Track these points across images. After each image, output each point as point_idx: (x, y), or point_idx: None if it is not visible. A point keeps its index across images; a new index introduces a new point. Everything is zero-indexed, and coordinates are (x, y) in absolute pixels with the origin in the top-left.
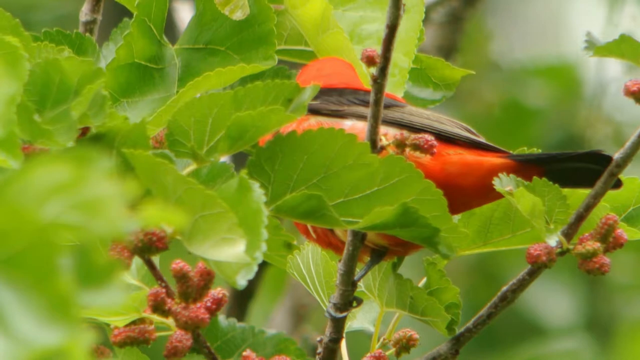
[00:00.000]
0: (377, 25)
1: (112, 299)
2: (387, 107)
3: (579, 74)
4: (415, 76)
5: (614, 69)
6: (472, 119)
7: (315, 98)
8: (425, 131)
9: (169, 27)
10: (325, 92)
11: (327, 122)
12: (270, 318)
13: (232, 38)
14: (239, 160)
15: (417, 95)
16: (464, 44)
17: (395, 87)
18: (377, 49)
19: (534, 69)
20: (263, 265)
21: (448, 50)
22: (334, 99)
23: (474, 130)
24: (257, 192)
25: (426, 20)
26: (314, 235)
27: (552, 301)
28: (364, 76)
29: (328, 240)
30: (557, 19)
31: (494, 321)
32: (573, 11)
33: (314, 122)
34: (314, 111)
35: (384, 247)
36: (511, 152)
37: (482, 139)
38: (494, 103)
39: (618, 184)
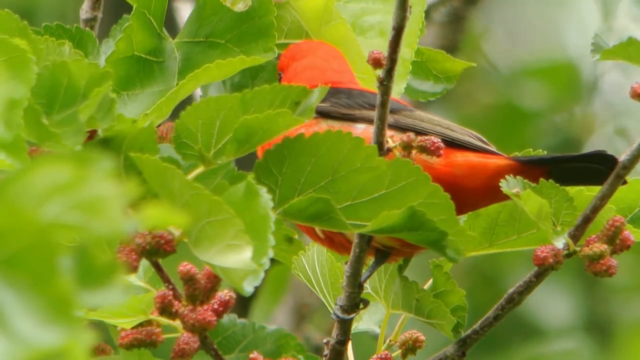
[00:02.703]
0: (379, 17)
1: (112, 300)
2: (396, 111)
3: (576, 74)
4: (416, 69)
5: (612, 69)
6: (469, 121)
7: (324, 100)
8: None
9: (170, 25)
10: (332, 93)
11: (338, 126)
12: (272, 317)
13: (232, 31)
14: (246, 162)
15: (417, 88)
16: (462, 45)
17: (398, 79)
18: (380, 42)
19: (531, 70)
20: None
21: (449, 50)
22: (343, 102)
23: (485, 139)
24: (265, 197)
25: (427, 20)
26: (321, 235)
27: (551, 302)
28: (368, 72)
29: (334, 240)
30: (553, 19)
31: (497, 324)
32: (569, 11)
33: (325, 126)
34: (324, 114)
35: (390, 248)
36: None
37: (492, 148)
38: (491, 105)
39: (624, 181)
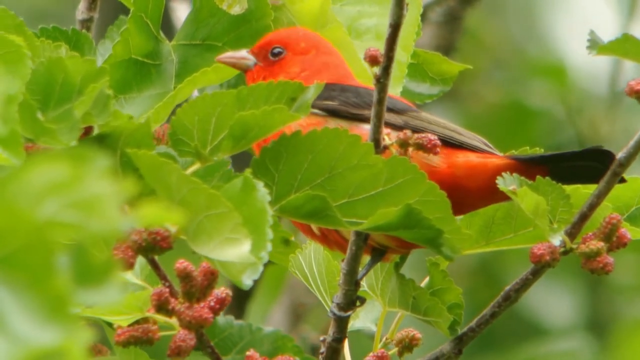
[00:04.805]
0: (375, 20)
1: (109, 298)
2: (403, 112)
3: (586, 73)
4: (412, 71)
5: (628, 69)
6: (475, 120)
7: (332, 98)
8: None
9: (167, 27)
10: (340, 91)
11: (347, 126)
12: (268, 317)
13: (229, 34)
14: (242, 160)
15: (414, 90)
16: (466, 43)
17: (394, 82)
18: (376, 45)
19: (538, 68)
20: None
21: (446, 50)
22: (351, 101)
23: (490, 145)
24: (262, 191)
25: (424, 20)
26: (317, 233)
27: (553, 301)
28: (364, 70)
29: (329, 238)
30: (565, 18)
31: (494, 321)
32: (582, 11)
33: (334, 125)
34: (332, 112)
35: (386, 247)
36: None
37: (496, 152)
38: (497, 103)
39: (622, 179)
